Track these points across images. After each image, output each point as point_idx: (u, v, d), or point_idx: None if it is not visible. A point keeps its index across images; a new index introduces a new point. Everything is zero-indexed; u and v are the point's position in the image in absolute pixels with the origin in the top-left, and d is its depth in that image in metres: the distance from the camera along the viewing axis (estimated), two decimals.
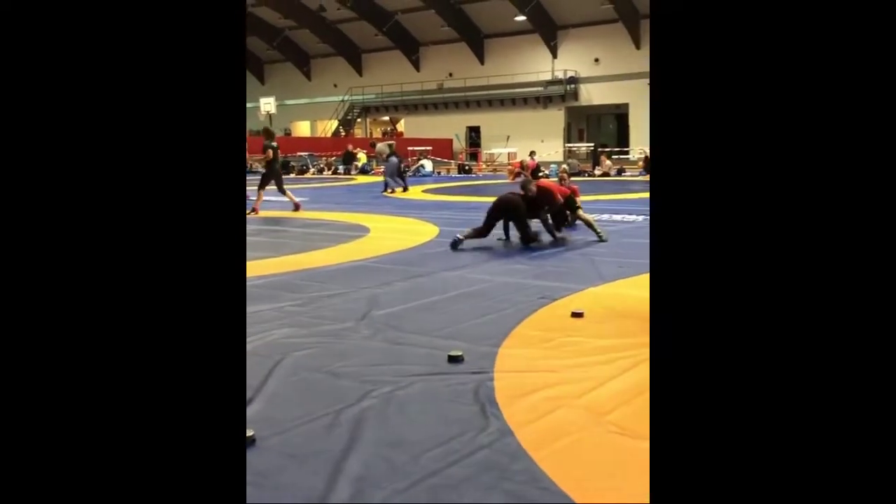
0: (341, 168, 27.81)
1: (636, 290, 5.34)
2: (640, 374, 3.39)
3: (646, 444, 2.64)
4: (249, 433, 2.68)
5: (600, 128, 37.85)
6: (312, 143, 34.37)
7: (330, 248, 8.03)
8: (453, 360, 3.65)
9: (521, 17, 34.49)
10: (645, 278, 5.84)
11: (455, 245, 7.62)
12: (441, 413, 3.00)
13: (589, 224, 8.28)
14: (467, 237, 7.79)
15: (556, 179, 12.47)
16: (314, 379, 3.45)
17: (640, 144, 29.82)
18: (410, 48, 40.61)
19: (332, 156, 29.95)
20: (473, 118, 38.48)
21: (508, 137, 34.56)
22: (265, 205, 12.27)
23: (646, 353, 3.72)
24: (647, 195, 15.16)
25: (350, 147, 29.69)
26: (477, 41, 38.39)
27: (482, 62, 38.59)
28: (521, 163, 22.16)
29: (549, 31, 35.75)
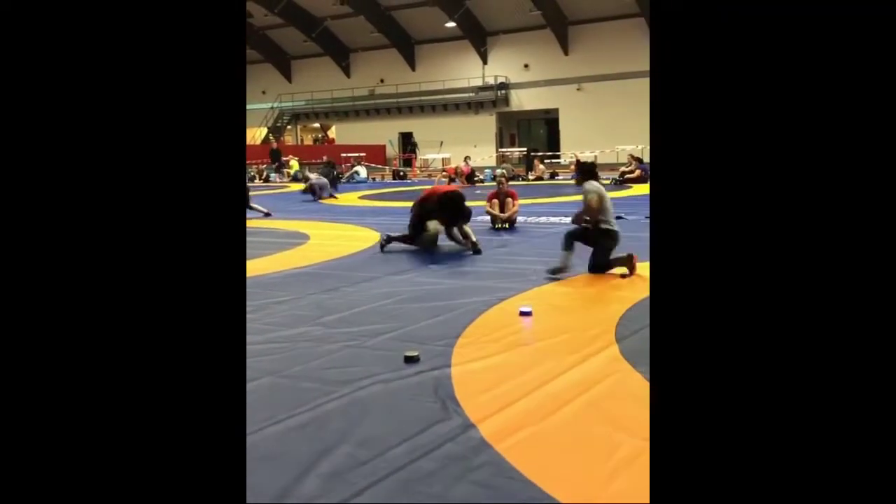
0: (273, 176, 27.48)
1: (579, 288, 5.52)
2: (592, 367, 3.54)
3: (603, 430, 2.77)
4: None
5: (531, 133, 38.38)
6: None
7: (271, 255, 7.98)
8: (409, 360, 3.72)
9: (451, 24, 34.74)
10: (585, 277, 6.02)
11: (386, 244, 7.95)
12: (403, 411, 3.07)
13: (465, 235, 7.85)
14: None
15: (493, 184, 12.66)
16: (274, 383, 3.48)
17: (570, 149, 30.41)
18: (340, 54, 40.41)
19: (263, 163, 29.56)
20: (406, 124, 38.51)
21: (442, 143, 34.76)
22: None
23: (594, 346, 3.88)
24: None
25: (274, 145, 29.49)
26: (407, 47, 38.48)
27: (413, 68, 38.69)
28: (456, 168, 22.34)
29: (479, 38, 36.11)
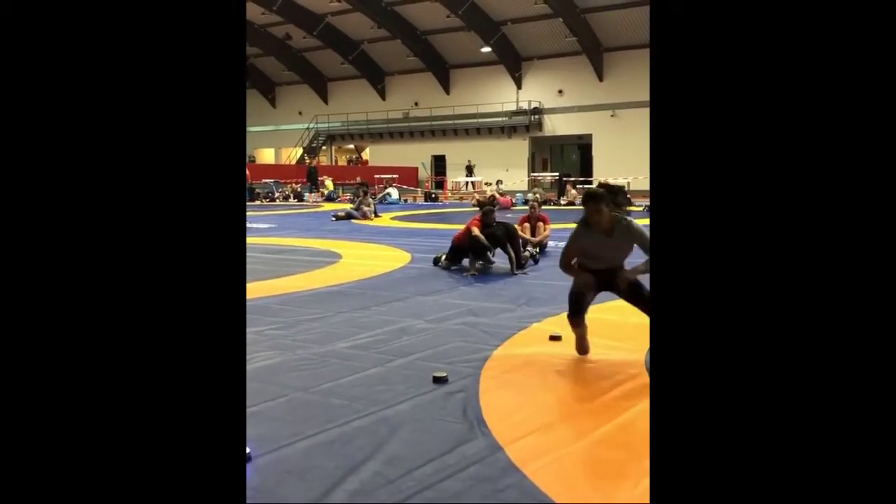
0: (308, 195, 27.77)
1: (610, 315, 5.48)
2: (621, 393, 3.51)
3: (633, 457, 2.75)
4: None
5: (563, 157, 38.38)
6: (277, 171, 34.27)
7: (303, 273, 8.06)
8: (438, 380, 3.73)
9: (487, 49, 34.99)
10: (618, 303, 5.97)
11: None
12: (431, 431, 3.08)
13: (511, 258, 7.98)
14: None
15: (525, 208, 12.65)
16: (304, 399, 3.51)
17: (603, 174, 30.31)
18: (376, 77, 40.86)
19: (297, 182, 29.89)
20: (439, 147, 38.73)
21: (475, 166, 34.87)
22: None
23: (625, 373, 3.85)
24: None
25: (314, 163, 29.71)
26: (442, 71, 38.79)
27: (448, 92, 38.96)
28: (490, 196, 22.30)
29: (514, 63, 36.30)
